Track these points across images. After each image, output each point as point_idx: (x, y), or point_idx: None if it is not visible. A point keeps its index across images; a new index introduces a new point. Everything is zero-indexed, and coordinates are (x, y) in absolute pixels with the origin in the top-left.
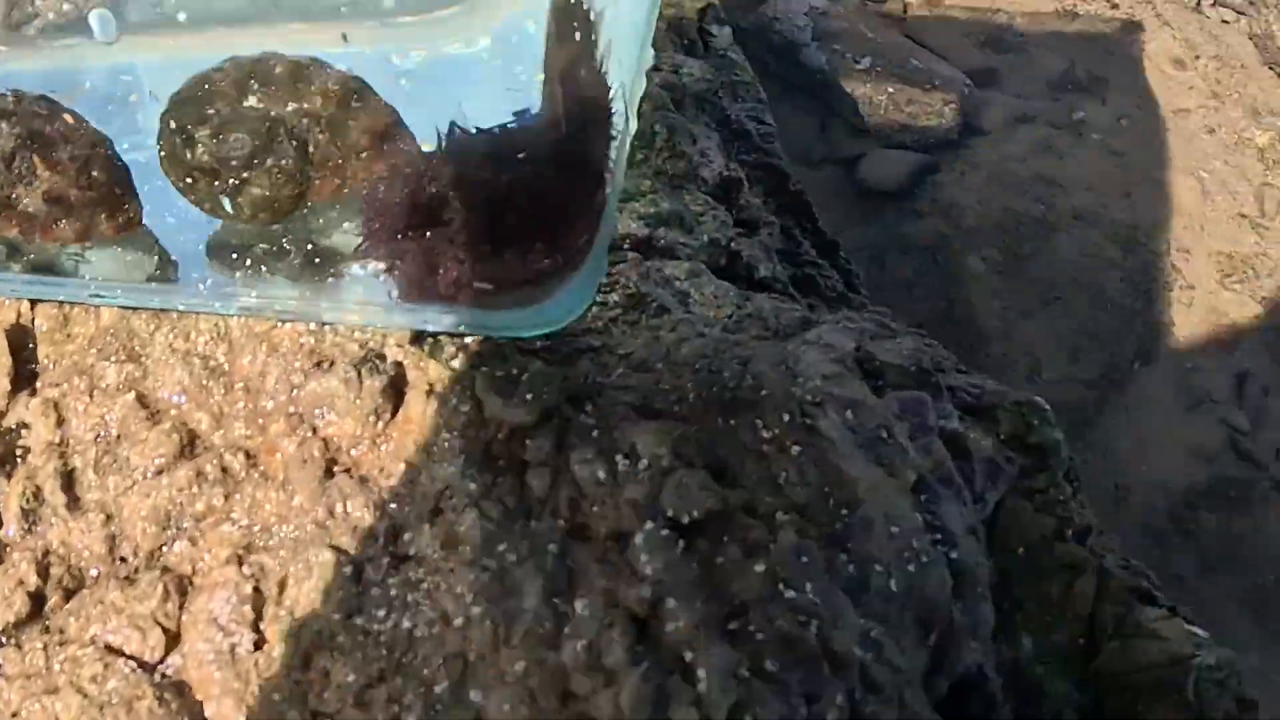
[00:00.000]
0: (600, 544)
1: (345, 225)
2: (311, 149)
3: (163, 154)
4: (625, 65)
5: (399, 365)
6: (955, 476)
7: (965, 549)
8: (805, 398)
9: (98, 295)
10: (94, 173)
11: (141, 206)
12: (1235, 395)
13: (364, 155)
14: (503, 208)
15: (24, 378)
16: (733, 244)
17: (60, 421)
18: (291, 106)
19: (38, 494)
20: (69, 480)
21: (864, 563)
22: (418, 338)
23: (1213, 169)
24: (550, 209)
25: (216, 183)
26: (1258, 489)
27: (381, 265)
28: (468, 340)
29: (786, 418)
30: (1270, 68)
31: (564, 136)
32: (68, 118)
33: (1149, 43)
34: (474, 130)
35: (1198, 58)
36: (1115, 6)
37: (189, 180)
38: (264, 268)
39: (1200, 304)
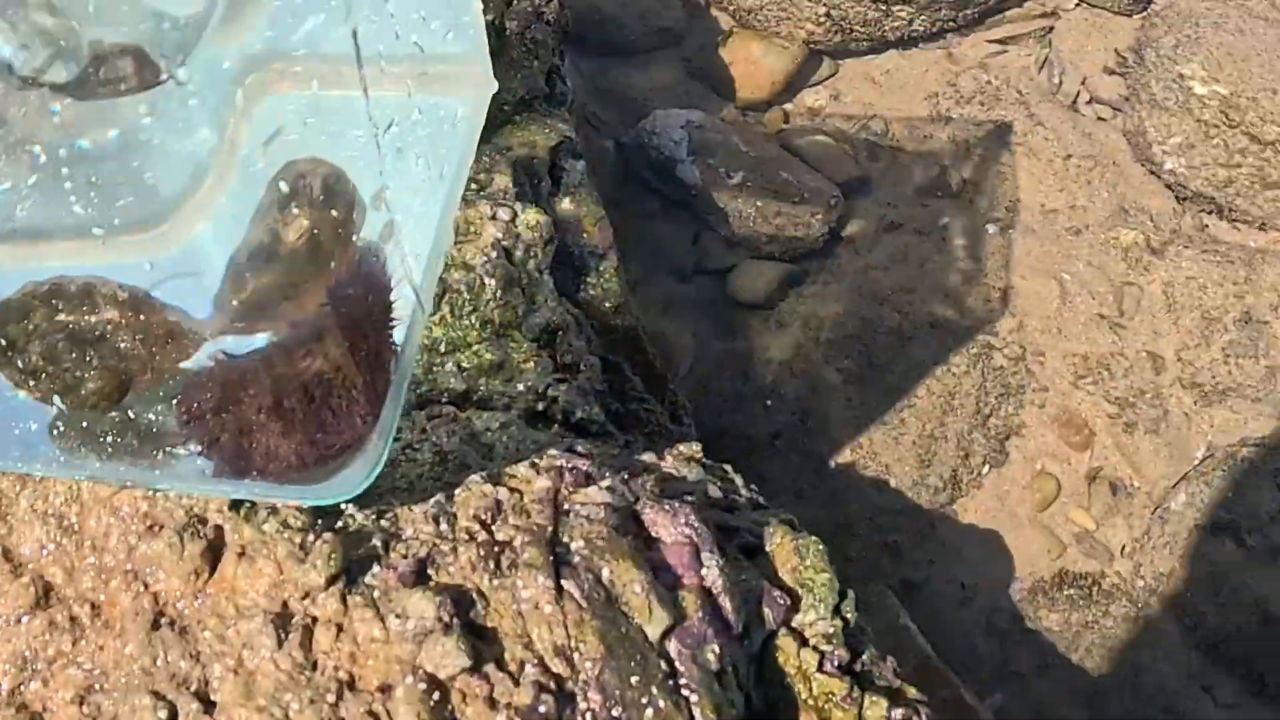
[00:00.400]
0: (369, 694)
1: (161, 409)
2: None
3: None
4: (418, 256)
5: (218, 529)
6: (710, 623)
7: (712, 688)
8: (572, 559)
9: None
10: None
11: None
12: (1085, 493)
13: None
14: (295, 396)
15: None
16: (549, 389)
17: None
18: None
19: None
20: None
21: (599, 713)
22: (235, 504)
23: (1075, 270)
24: (338, 396)
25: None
26: (1101, 585)
27: (196, 446)
28: (278, 505)
29: (548, 580)
30: (1142, 164)
31: (346, 330)
32: None
33: (1021, 144)
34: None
35: (1069, 157)
36: (989, 109)
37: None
38: (105, 445)
39: (1052, 405)
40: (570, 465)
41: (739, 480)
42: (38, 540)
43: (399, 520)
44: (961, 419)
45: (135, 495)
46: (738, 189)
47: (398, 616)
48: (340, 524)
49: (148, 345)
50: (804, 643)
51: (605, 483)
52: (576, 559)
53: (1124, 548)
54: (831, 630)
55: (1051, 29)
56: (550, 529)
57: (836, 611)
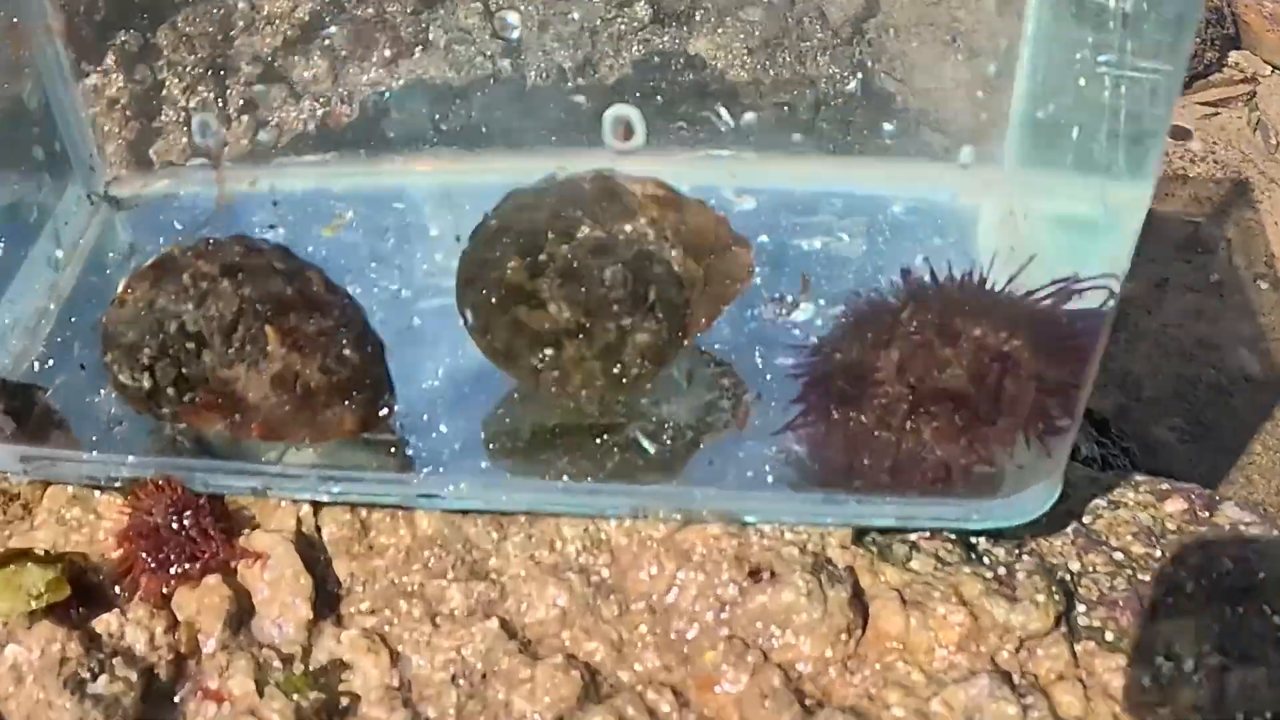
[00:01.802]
0: None
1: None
2: (679, 270)
3: (481, 308)
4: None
5: (850, 570)
6: None
7: None
8: None
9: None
10: (345, 351)
11: (394, 393)
12: None
13: (727, 281)
14: (1010, 383)
15: (321, 601)
16: None
17: (394, 658)
18: (633, 226)
19: None
20: None
21: None
22: (858, 537)
23: None
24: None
25: (579, 341)
26: None
27: (800, 446)
28: (911, 537)
29: None
30: None
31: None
32: (313, 277)
33: (1262, 200)
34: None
35: None
36: (1222, 167)
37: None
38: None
39: None
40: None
41: None
42: (554, 605)
43: (1039, 549)
44: None
45: (711, 533)
46: None
47: (1165, 658)
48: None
49: (708, 270)
50: None
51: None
52: None
53: None
54: None
55: (1254, 93)
56: None
57: None
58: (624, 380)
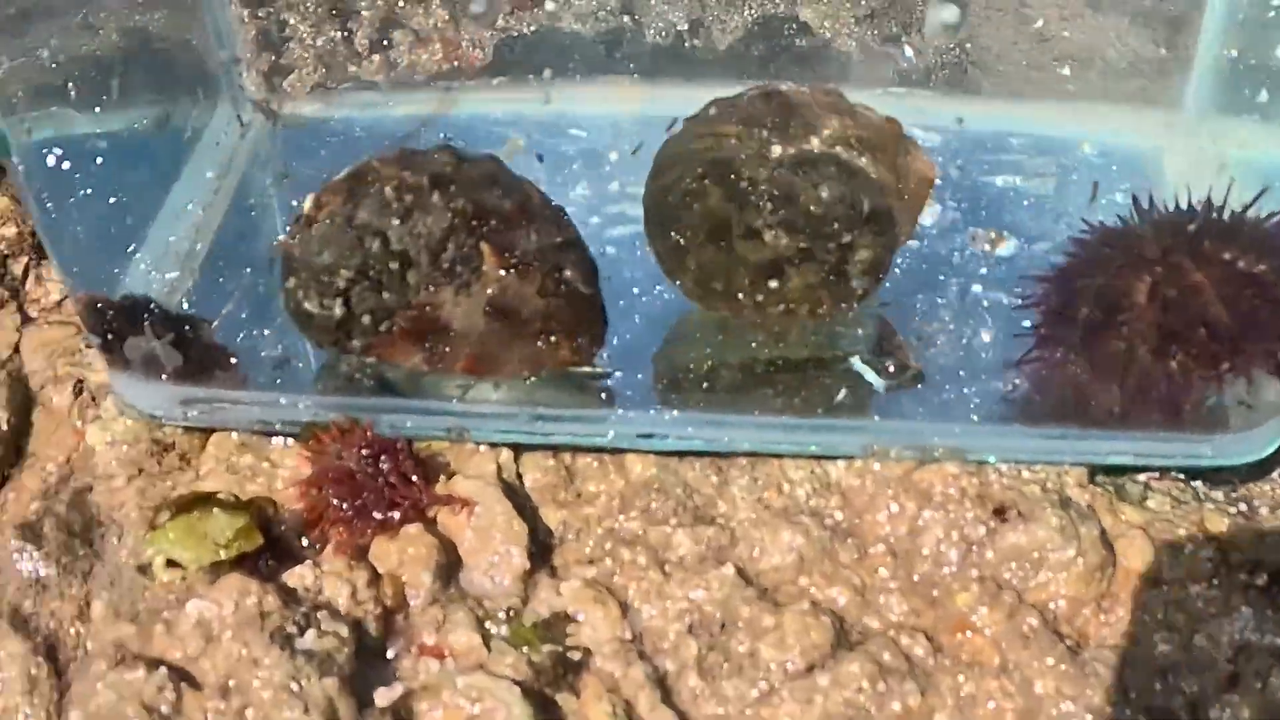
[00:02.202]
0: None
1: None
2: (876, 178)
3: (683, 247)
4: None
5: (1091, 509)
6: None
7: None
8: None
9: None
10: (565, 273)
11: (606, 323)
12: None
13: (914, 185)
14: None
15: (533, 551)
16: None
17: (624, 610)
18: (819, 138)
19: (629, 711)
20: (665, 690)
21: None
22: (1090, 476)
23: None
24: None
25: (802, 268)
26: None
27: (1035, 380)
28: (1141, 477)
29: None
30: None
31: None
32: (530, 190)
33: None
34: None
35: None
36: None
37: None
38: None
39: None
40: None
41: None
42: (790, 549)
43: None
44: None
45: (947, 472)
46: None
47: None
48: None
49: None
50: None
51: None
52: None
53: None
54: None
55: None
56: None
57: None
58: (849, 302)
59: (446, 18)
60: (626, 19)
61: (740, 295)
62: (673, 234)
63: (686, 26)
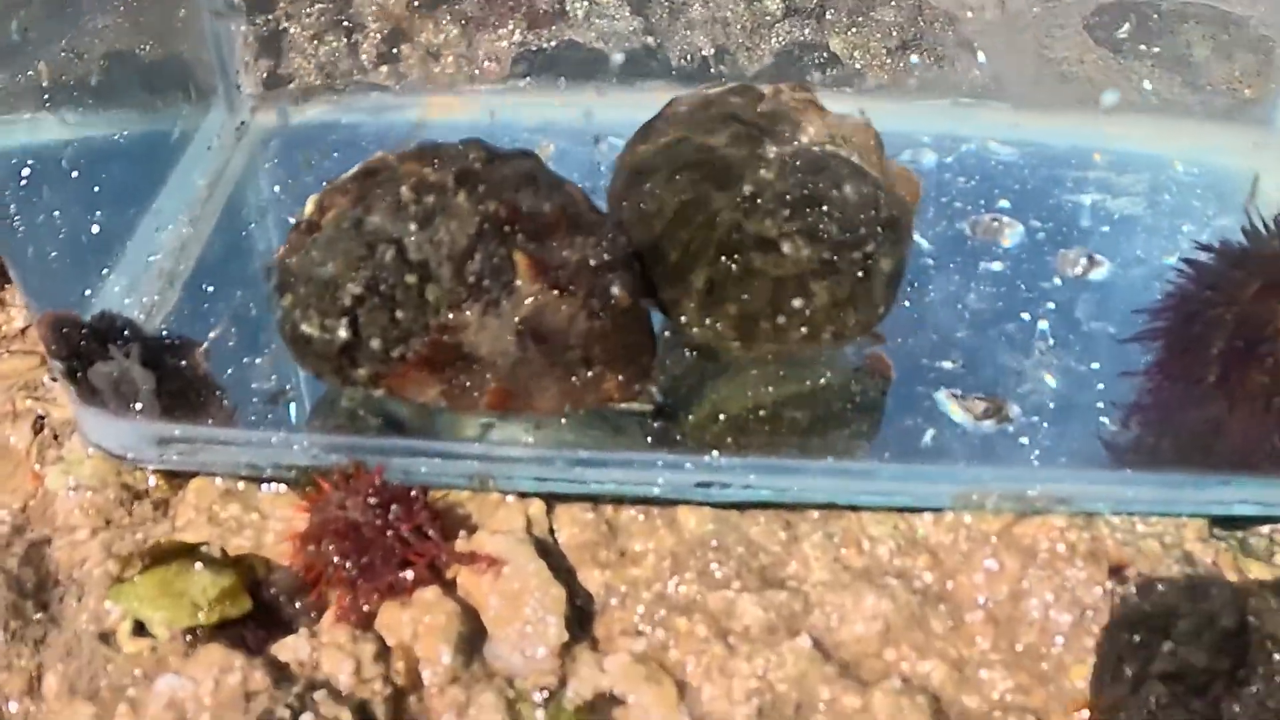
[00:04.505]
0: None
1: None
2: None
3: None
4: None
5: (1215, 566)
6: None
7: None
8: None
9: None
10: (613, 290)
11: (656, 352)
12: None
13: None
14: None
15: (573, 621)
16: None
17: (681, 689)
18: (808, 136)
19: None
20: None
21: None
22: (1209, 528)
23: None
24: None
25: (826, 283)
26: None
27: (1147, 421)
28: (1264, 530)
29: None
30: None
31: None
32: (573, 193)
33: None
34: None
35: None
36: None
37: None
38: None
39: None
40: None
41: None
42: (873, 616)
43: None
44: None
45: (1049, 525)
46: None
47: None
48: None
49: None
50: None
51: None
52: None
53: None
54: None
55: None
56: None
57: None
58: (872, 322)
59: (458, 33)
60: (650, 39)
61: (760, 321)
62: (670, 252)
63: (712, 52)
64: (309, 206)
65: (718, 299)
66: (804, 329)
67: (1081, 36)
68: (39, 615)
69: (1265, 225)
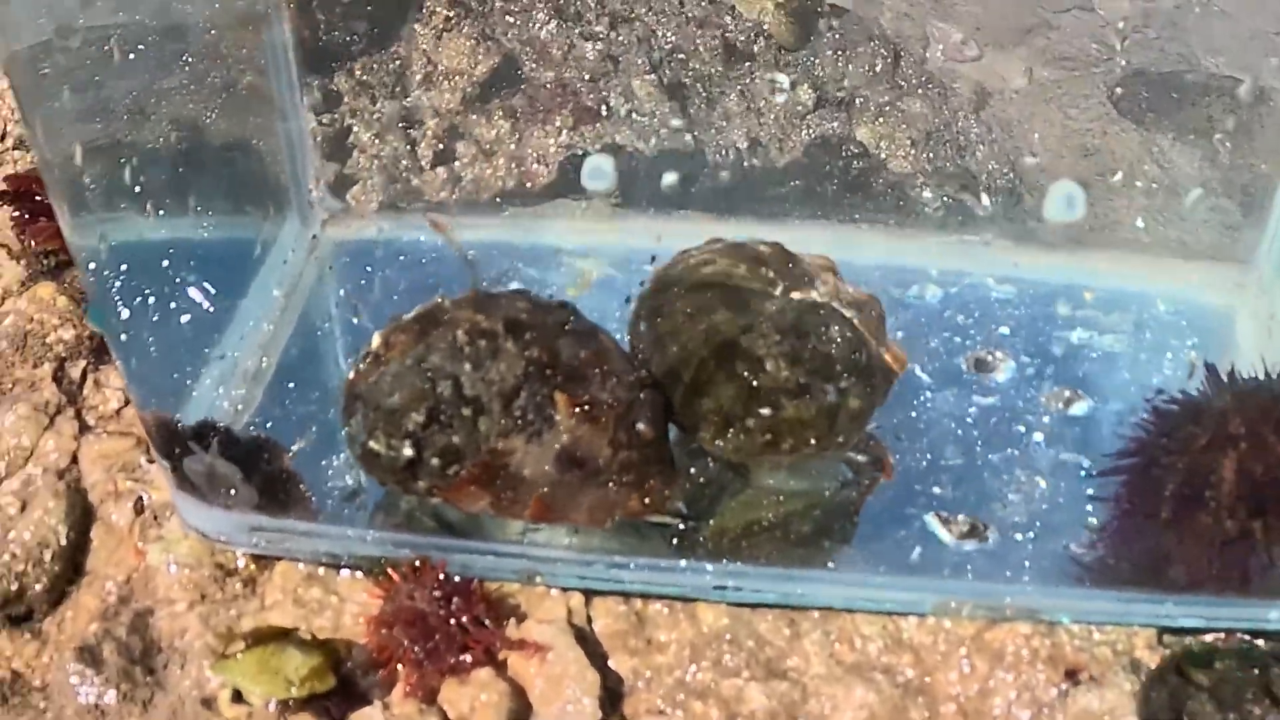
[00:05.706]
0: None
1: None
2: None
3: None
4: None
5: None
6: None
7: None
8: None
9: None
10: (638, 425)
11: (678, 472)
12: None
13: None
14: None
15: (605, 700)
16: None
17: None
18: (816, 291)
19: None
20: None
21: None
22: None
23: None
24: None
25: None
26: None
27: (1107, 543)
28: (1207, 638)
29: None
30: None
31: None
32: (605, 340)
33: None
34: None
35: None
36: None
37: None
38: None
39: None
40: None
41: None
42: (862, 706)
43: None
44: None
45: (1018, 631)
46: None
47: None
48: None
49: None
50: None
51: None
52: None
53: None
54: None
55: None
56: None
57: None
58: (828, 448)
59: (509, 128)
60: (689, 137)
61: (731, 420)
62: (673, 348)
63: (746, 145)
64: (375, 340)
65: (699, 393)
66: (767, 435)
67: None
68: (146, 679)
69: (1220, 380)
